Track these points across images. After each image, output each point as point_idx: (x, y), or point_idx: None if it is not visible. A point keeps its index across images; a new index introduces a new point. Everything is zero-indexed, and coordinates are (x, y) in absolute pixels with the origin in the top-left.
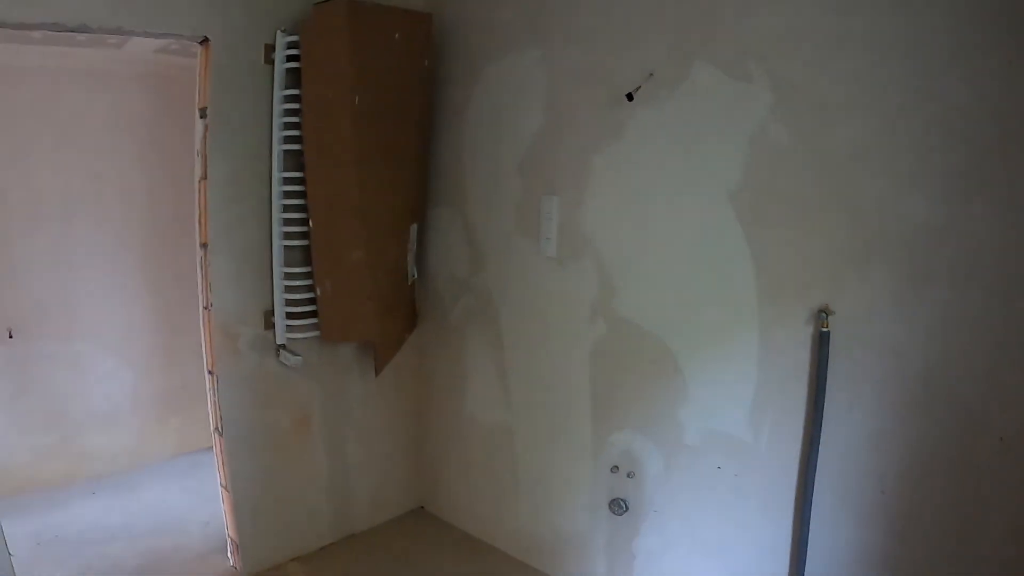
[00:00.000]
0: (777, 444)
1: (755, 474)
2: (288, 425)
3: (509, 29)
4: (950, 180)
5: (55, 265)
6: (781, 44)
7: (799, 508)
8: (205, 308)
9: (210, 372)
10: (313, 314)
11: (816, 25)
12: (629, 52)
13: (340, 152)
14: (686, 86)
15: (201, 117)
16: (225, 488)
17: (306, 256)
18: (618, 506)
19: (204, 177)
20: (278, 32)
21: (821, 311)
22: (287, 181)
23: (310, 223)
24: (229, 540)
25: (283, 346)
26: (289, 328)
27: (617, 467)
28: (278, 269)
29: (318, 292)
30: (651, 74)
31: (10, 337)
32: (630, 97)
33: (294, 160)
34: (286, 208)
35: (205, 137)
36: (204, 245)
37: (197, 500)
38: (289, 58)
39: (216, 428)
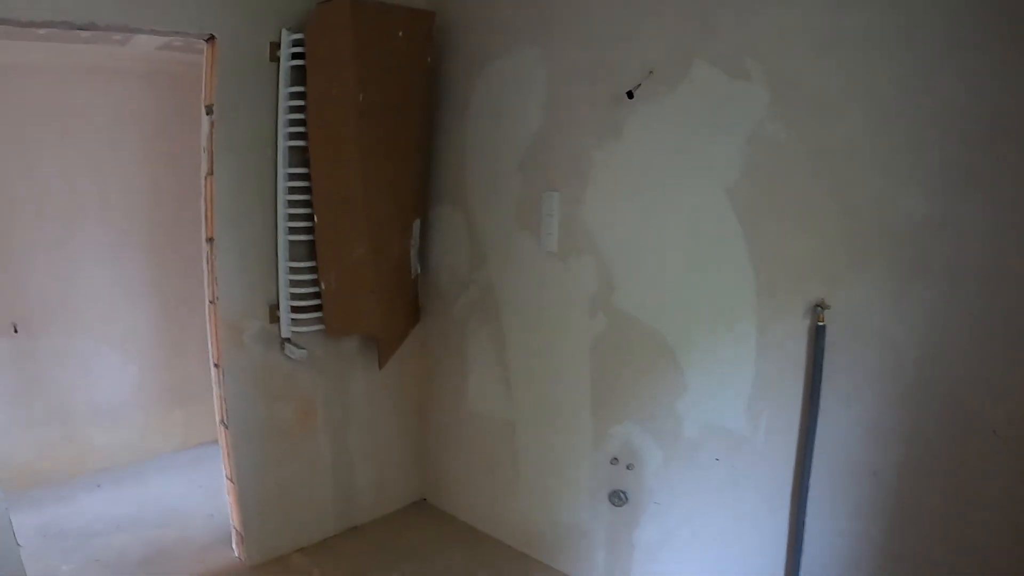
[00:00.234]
0: (774, 436)
1: (752, 466)
2: (293, 418)
3: (510, 27)
4: (945, 176)
5: (60, 261)
6: (778, 42)
7: (796, 499)
8: (211, 302)
9: (216, 365)
10: (317, 308)
11: (813, 23)
12: (629, 50)
13: (344, 148)
14: (685, 84)
15: (207, 114)
16: (231, 480)
17: (311, 251)
18: (618, 498)
19: (210, 173)
20: (283, 30)
21: (817, 305)
22: (292, 177)
23: (315, 218)
24: (234, 531)
25: (288, 339)
26: (294, 322)
27: (617, 459)
28: (283, 263)
29: (322, 286)
30: (651, 72)
31: (15, 332)
32: (630, 95)
33: (299, 156)
34: (291, 203)
35: (211, 133)
36: (210, 240)
37: (201, 493)
38: (294, 56)
39: (222, 420)
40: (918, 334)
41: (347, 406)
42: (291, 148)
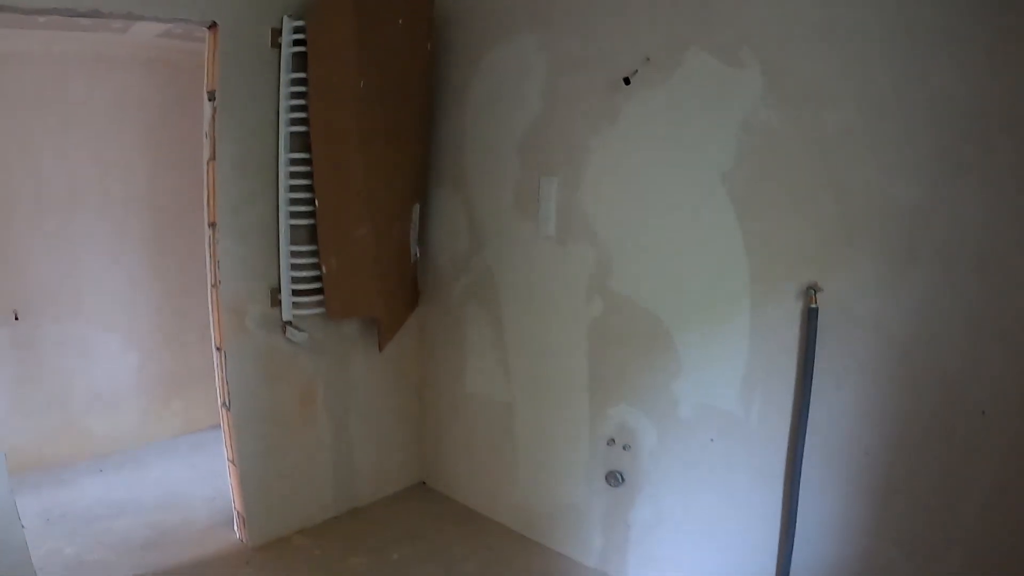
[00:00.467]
0: (767, 417)
1: (746, 446)
2: (294, 400)
3: (509, 14)
4: (934, 163)
5: (60, 248)
6: (773, 31)
7: (789, 478)
8: (213, 286)
9: (218, 349)
10: (318, 291)
11: (806, 13)
12: (626, 38)
13: (345, 133)
14: (681, 71)
15: (209, 100)
16: (232, 462)
17: (312, 235)
18: (614, 478)
19: (212, 158)
20: (284, 17)
21: (810, 288)
22: (293, 162)
23: (316, 203)
24: (236, 513)
25: (289, 323)
26: (295, 305)
27: (613, 440)
28: (284, 248)
29: (323, 270)
30: (647, 59)
31: (16, 319)
32: (627, 81)
33: (300, 141)
34: (292, 188)
35: (213, 119)
36: (212, 225)
37: (202, 477)
38: (295, 42)
39: (224, 403)
40: (908, 317)
41: (347, 389)
42: (292, 134)
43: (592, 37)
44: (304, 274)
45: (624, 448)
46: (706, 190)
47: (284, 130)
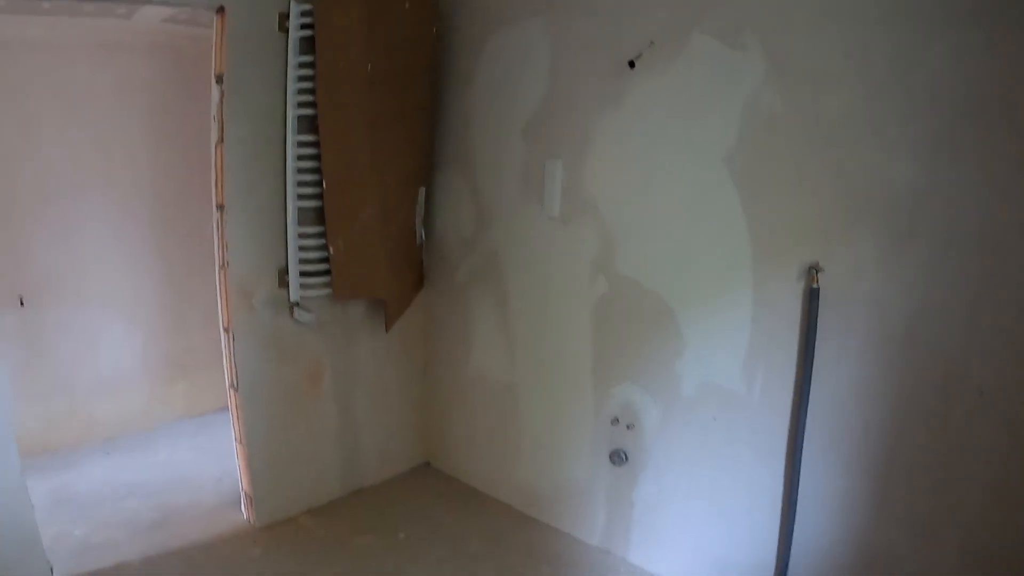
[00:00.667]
0: (769, 395)
1: (748, 423)
2: (301, 381)
3: None
4: (932, 145)
5: (65, 234)
6: (776, 16)
7: (790, 456)
8: (221, 268)
9: (226, 330)
10: (326, 272)
11: None
12: (631, 22)
13: (353, 116)
14: (685, 55)
15: (217, 83)
16: (240, 442)
17: (319, 216)
18: (618, 457)
19: (221, 141)
20: (292, 1)
21: (811, 268)
22: (301, 144)
23: (323, 184)
24: (243, 493)
25: (297, 303)
26: (303, 286)
27: (617, 419)
28: (292, 229)
29: (331, 251)
30: (652, 43)
31: (21, 305)
32: (632, 65)
33: (308, 124)
34: (300, 170)
35: (221, 103)
36: (220, 207)
37: (208, 459)
38: (303, 26)
39: (232, 384)
40: (907, 296)
41: (353, 370)
42: (300, 117)
43: (597, 21)
44: (311, 255)
45: (628, 427)
46: (709, 172)
47: (292, 113)
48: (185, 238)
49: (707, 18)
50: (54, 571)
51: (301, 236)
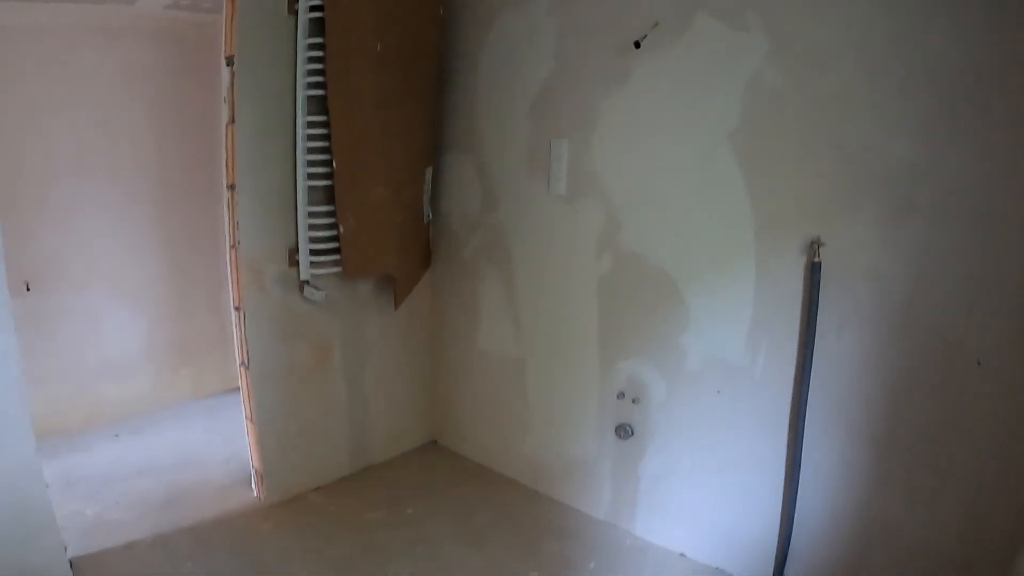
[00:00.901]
0: (772, 368)
1: (752, 396)
2: (311, 359)
3: None
4: (931, 123)
5: (70, 219)
6: None
7: (793, 427)
8: (232, 247)
9: (237, 308)
10: (335, 251)
11: None
12: (636, 2)
13: (362, 96)
14: (689, 35)
15: (228, 65)
16: (250, 420)
17: (329, 195)
18: (624, 431)
19: (231, 122)
20: None
21: (813, 242)
22: (311, 124)
23: (333, 164)
24: (253, 471)
25: (307, 282)
26: (313, 264)
27: (623, 393)
28: (302, 208)
29: (340, 229)
30: (656, 23)
31: (27, 290)
32: (637, 45)
33: (317, 104)
34: (310, 150)
35: (232, 84)
36: (231, 187)
37: (216, 440)
38: (311, 8)
39: (242, 362)
40: (907, 270)
41: (362, 347)
42: (309, 97)
43: (602, 2)
44: (321, 234)
45: (633, 401)
46: (713, 149)
47: (301, 94)
48: (189, 222)
49: None
50: (68, 549)
51: (311, 215)
